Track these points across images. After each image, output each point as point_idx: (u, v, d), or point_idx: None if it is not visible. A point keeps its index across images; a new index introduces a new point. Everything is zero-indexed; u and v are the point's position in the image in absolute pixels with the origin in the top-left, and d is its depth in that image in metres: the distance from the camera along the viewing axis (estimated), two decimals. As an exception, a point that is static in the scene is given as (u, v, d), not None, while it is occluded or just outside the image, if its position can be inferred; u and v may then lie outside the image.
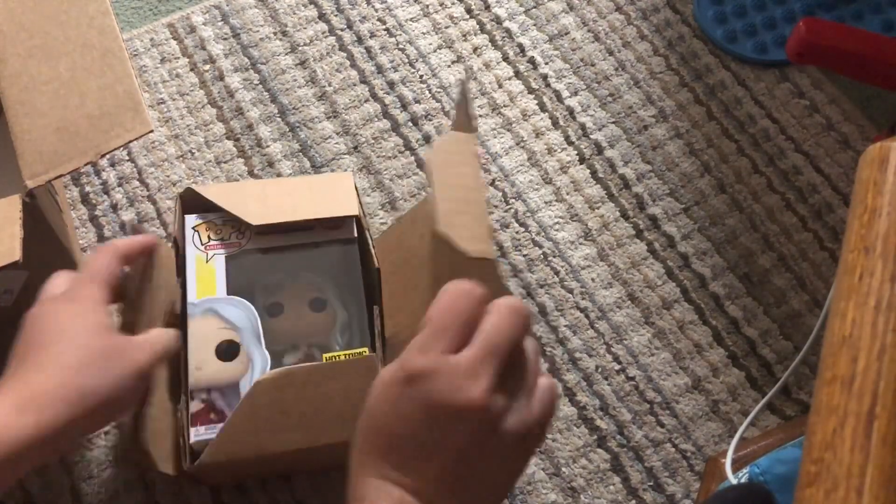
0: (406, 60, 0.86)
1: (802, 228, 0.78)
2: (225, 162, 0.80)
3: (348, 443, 0.56)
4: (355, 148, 0.81)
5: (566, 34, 0.87)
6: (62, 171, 0.55)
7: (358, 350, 0.61)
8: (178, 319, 0.61)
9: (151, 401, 0.56)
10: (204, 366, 0.59)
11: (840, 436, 0.34)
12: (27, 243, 0.53)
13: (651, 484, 0.68)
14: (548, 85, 0.85)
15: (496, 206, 0.78)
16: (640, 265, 0.76)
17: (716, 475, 0.65)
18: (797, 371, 0.72)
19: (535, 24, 0.88)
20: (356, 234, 0.65)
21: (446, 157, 0.56)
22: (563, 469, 0.68)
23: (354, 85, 0.84)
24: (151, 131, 0.56)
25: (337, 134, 0.82)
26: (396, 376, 0.38)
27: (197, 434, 0.57)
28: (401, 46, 0.86)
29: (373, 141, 0.81)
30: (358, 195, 0.66)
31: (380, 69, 0.85)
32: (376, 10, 0.88)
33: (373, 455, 0.38)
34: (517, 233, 0.77)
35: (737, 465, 0.62)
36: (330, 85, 0.84)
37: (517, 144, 0.82)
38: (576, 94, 0.84)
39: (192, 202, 0.65)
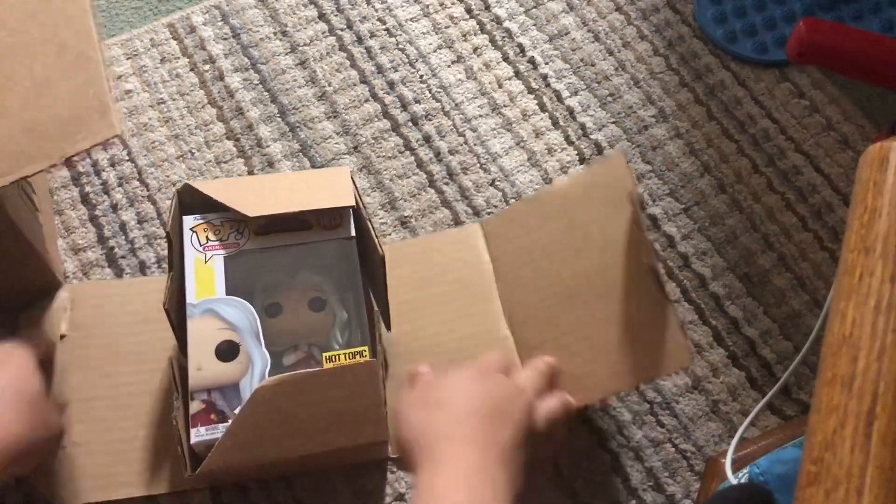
0: (406, 60, 0.86)
1: (802, 228, 0.78)
2: (225, 162, 0.80)
3: (350, 448, 0.57)
4: (355, 148, 0.81)
5: (566, 34, 0.87)
6: (26, 172, 0.54)
7: (358, 349, 0.61)
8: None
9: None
10: (204, 366, 0.59)
11: (840, 436, 0.34)
12: None
13: (651, 484, 0.68)
14: (548, 85, 0.85)
15: (496, 207, 0.78)
16: (640, 265, 0.76)
17: (716, 475, 0.65)
18: (797, 371, 0.72)
19: (535, 24, 0.88)
20: (354, 234, 0.65)
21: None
22: (563, 469, 0.68)
23: (354, 85, 0.84)
24: (118, 135, 0.56)
25: (337, 134, 0.82)
26: (471, 373, 0.58)
27: (198, 434, 0.57)
28: (401, 46, 0.86)
29: (373, 141, 0.81)
30: (356, 187, 0.66)
31: (380, 69, 0.85)
32: (376, 10, 0.88)
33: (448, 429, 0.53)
34: (517, 233, 0.77)
35: (737, 465, 0.62)
36: (330, 85, 0.84)
37: (517, 144, 0.82)
38: (576, 94, 0.84)
39: (189, 200, 0.65)
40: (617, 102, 0.84)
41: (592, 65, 0.86)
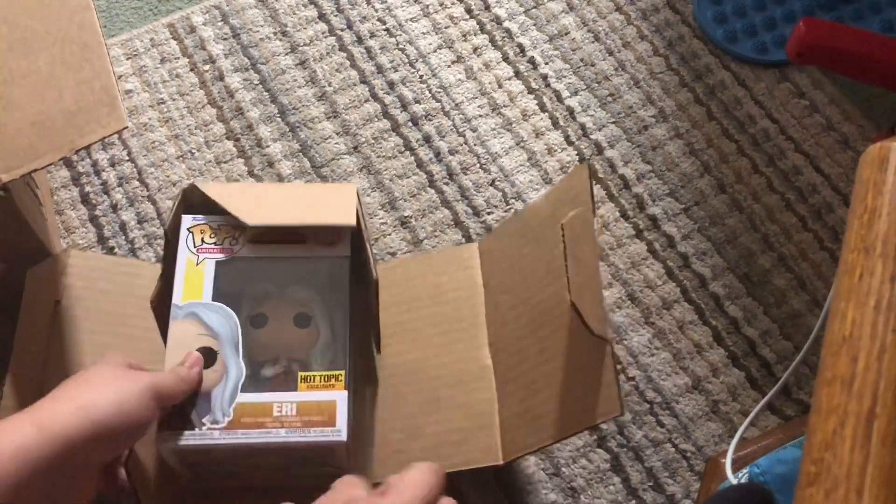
0: (406, 60, 0.86)
1: (802, 228, 0.78)
2: (225, 162, 0.80)
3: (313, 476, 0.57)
4: (355, 148, 0.81)
5: (566, 34, 0.87)
6: (36, 165, 0.55)
7: (335, 373, 0.59)
8: None
9: None
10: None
11: (840, 436, 0.34)
12: (2, 236, 0.53)
13: (651, 484, 0.68)
14: (548, 85, 0.85)
15: (496, 207, 0.78)
16: (640, 265, 0.76)
17: (716, 475, 0.65)
18: (797, 371, 0.72)
19: (535, 24, 0.88)
20: (349, 254, 0.64)
21: (575, 233, 0.58)
22: (563, 469, 0.68)
23: (354, 85, 0.84)
24: (126, 127, 0.56)
25: (337, 134, 0.82)
26: None
27: (162, 439, 0.56)
28: (401, 46, 0.86)
29: (373, 141, 0.81)
30: (360, 207, 0.65)
31: (380, 69, 0.85)
32: (376, 11, 0.88)
33: None
34: (517, 233, 0.77)
35: (737, 465, 0.62)
36: (330, 85, 0.84)
37: (517, 144, 0.82)
38: (576, 94, 0.84)
39: (193, 200, 0.64)
40: (617, 102, 0.84)
41: (592, 65, 0.86)
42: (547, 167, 0.80)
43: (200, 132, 0.81)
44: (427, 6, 0.88)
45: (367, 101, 0.83)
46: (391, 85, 0.84)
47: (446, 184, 0.80)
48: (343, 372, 0.59)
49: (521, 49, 0.87)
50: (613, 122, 0.83)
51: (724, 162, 0.81)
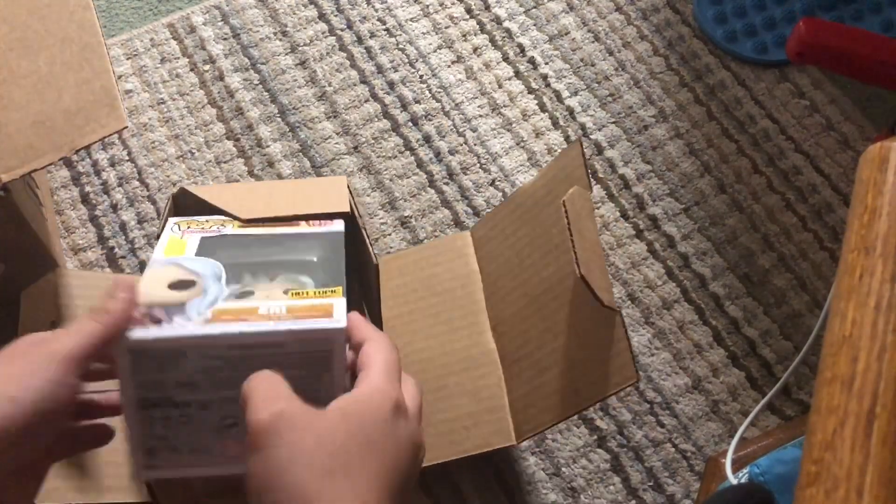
0: (406, 60, 0.86)
1: (802, 228, 0.78)
2: (225, 162, 0.80)
3: None
4: (355, 148, 0.81)
5: (566, 34, 0.87)
6: (36, 165, 0.55)
7: (333, 288, 0.53)
8: None
9: None
10: (151, 292, 0.49)
11: (840, 436, 0.34)
12: (2, 236, 0.53)
13: (651, 484, 0.68)
14: (548, 85, 0.85)
15: (496, 207, 0.78)
16: (640, 265, 0.76)
17: (716, 475, 0.65)
18: (797, 371, 0.72)
19: (535, 24, 0.88)
20: (343, 229, 0.60)
21: (576, 209, 0.58)
22: (563, 469, 0.68)
23: (354, 85, 0.84)
24: (125, 127, 0.56)
25: (337, 134, 0.82)
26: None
27: (132, 334, 0.45)
28: (401, 46, 0.86)
29: (373, 141, 0.81)
30: (352, 195, 0.64)
31: (380, 69, 0.85)
32: (376, 11, 0.88)
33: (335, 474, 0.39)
34: (517, 233, 0.77)
35: (737, 465, 0.62)
36: (330, 85, 0.84)
37: (517, 144, 0.82)
38: (576, 94, 0.84)
39: (184, 204, 0.64)
40: (617, 102, 0.84)
41: (592, 65, 0.86)
42: (547, 167, 0.80)
43: (200, 132, 0.81)
44: (427, 6, 0.88)
45: (367, 101, 0.83)
46: (391, 85, 0.84)
47: (446, 184, 0.80)
48: (341, 287, 0.52)
49: (521, 49, 0.86)
50: (613, 122, 0.83)
51: (724, 162, 0.81)
